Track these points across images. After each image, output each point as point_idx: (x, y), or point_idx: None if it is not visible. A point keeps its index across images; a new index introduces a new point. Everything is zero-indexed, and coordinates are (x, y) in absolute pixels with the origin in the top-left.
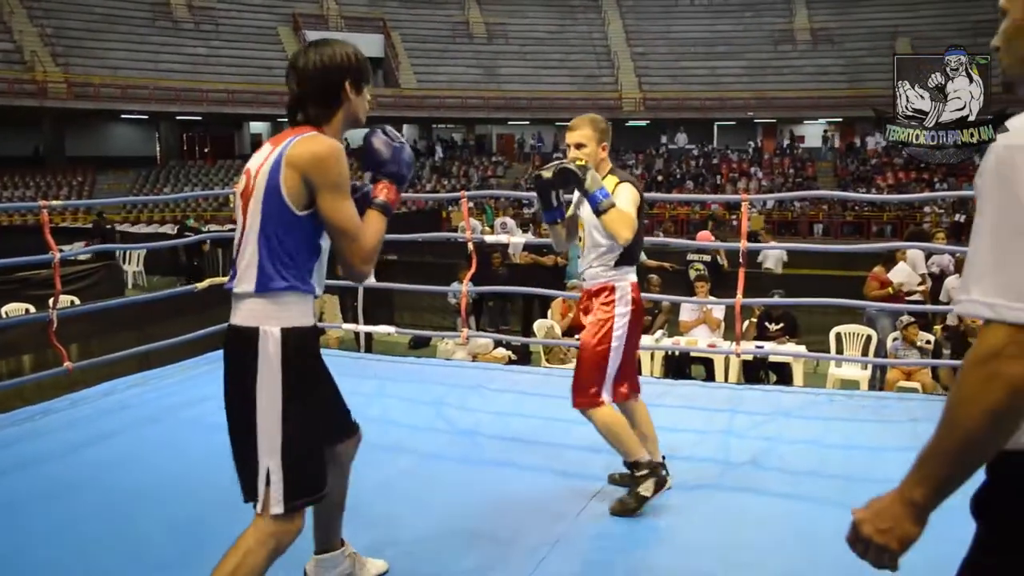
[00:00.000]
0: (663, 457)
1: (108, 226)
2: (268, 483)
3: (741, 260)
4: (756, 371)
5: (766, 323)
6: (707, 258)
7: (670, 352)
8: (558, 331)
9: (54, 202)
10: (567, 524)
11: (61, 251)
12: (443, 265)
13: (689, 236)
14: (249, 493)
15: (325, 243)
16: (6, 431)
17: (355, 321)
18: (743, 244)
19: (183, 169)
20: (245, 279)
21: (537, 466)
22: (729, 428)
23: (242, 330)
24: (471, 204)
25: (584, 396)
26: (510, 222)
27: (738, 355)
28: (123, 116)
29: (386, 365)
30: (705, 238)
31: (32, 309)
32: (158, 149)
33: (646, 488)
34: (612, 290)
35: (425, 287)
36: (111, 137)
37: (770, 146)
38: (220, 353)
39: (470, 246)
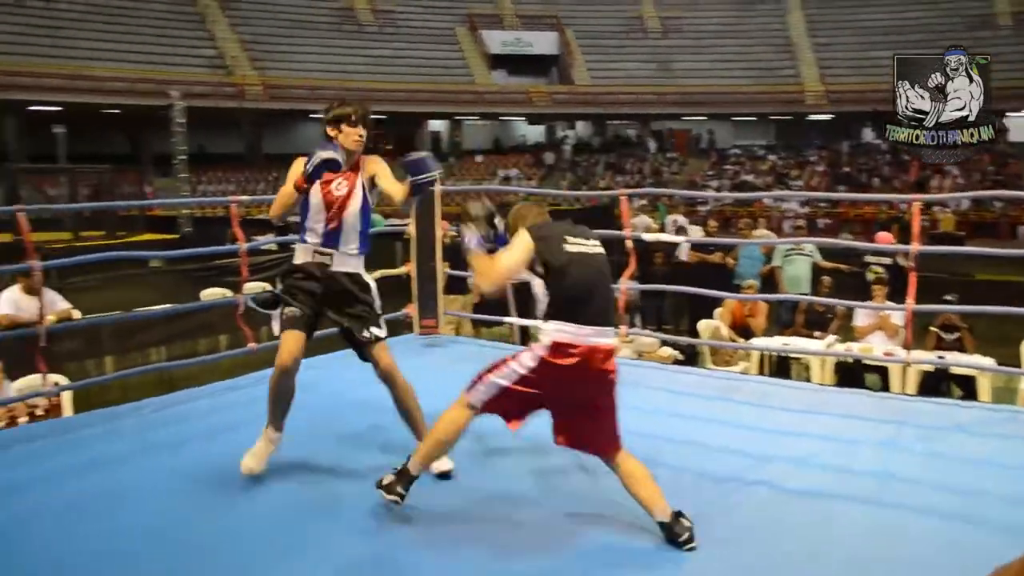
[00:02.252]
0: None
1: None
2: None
3: (913, 263)
4: (937, 383)
5: (941, 333)
6: (887, 260)
7: (842, 359)
8: (725, 332)
9: (242, 197)
10: (702, 521)
11: (253, 240)
12: (611, 263)
13: (869, 238)
14: None
15: (313, 211)
16: (198, 403)
17: (527, 316)
18: (914, 247)
19: None
20: None
21: (677, 465)
22: (892, 440)
23: None
24: (644, 201)
25: (468, 389)
26: (682, 220)
27: (908, 364)
28: (311, 116)
29: None
30: (885, 240)
31: (228, 294)
32: None
33: (388, 489)
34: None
35: None
36: (302, 135)
37: None
38: (389, 341)
39: (628, 244)
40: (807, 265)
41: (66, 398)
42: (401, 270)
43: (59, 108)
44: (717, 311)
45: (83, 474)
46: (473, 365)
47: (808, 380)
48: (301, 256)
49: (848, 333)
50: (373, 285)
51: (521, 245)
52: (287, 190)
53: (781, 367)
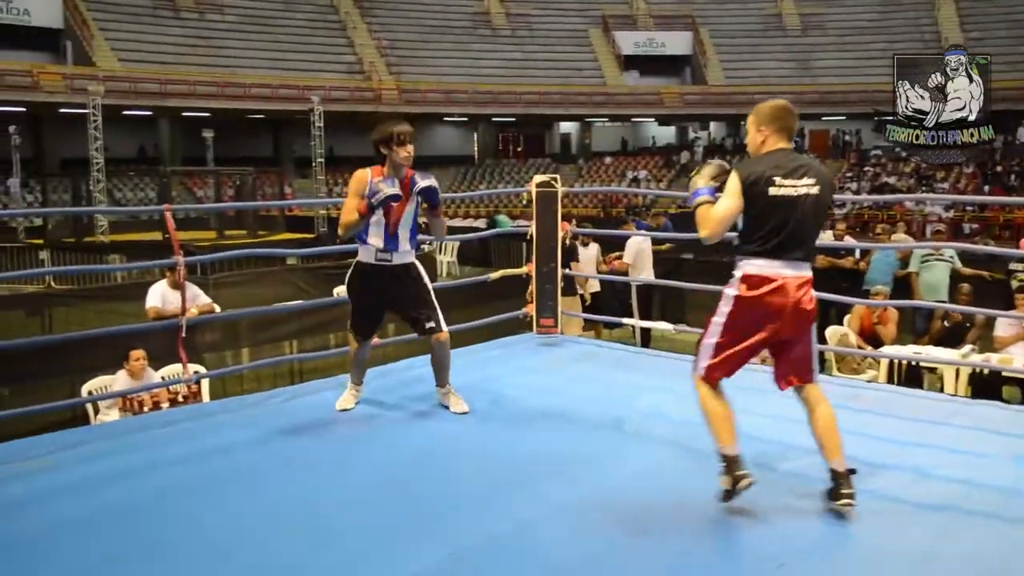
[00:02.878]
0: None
1: None
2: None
3: None
4: None
5: None
6: None
7: (978, 370)
8: (853, 339)
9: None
10: (812, 528)
11: None
12: (735, 265)
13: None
14: None
15: (373, 220)
16: (325, 394)
17: (647, 317)
18: None
19: (497, 167)
20: None
21: (788, 470)
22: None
23: None
24: None
25: (694, 367)
26: None
27: None
28: (445, 119)
29: (664, 361)
30: None
31: None
32: (476, 148)
33: (723, 481)
34: (732, 276)
35: (714, 287)
36: (435, 138)
37: None
38: (508, 339)
39: None
40: (946, 271)
41: (204, 386)
42: (522, 270)
43: (208, 113)
44: (847, 317)
45: (216, 456)
46: (589, 364)
47: (942, 391)
48: (364, 255)
49: (988, 343)
50: (426, 279)
51: (732, 191)
52: (352, 214)
53: (912, 377)
